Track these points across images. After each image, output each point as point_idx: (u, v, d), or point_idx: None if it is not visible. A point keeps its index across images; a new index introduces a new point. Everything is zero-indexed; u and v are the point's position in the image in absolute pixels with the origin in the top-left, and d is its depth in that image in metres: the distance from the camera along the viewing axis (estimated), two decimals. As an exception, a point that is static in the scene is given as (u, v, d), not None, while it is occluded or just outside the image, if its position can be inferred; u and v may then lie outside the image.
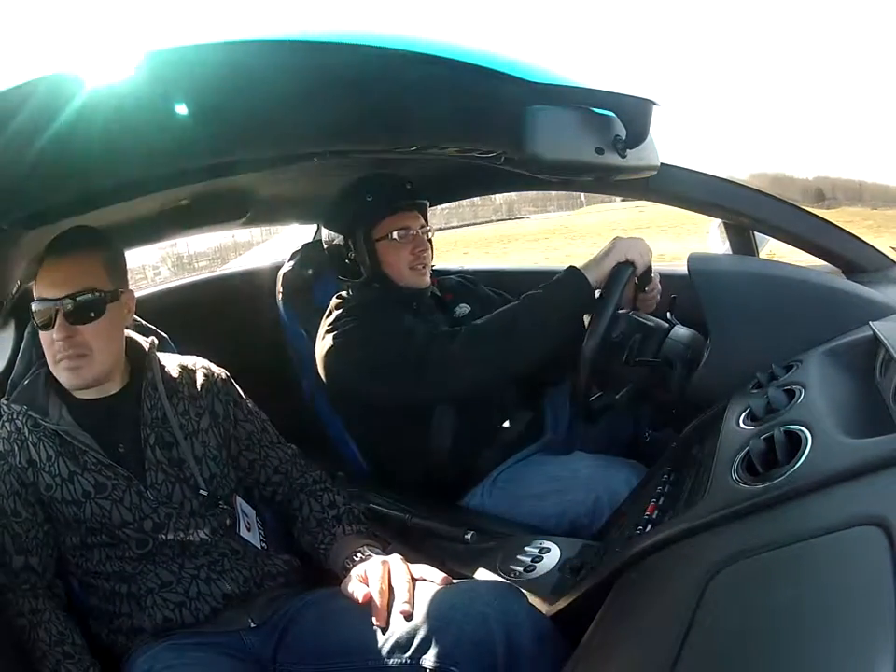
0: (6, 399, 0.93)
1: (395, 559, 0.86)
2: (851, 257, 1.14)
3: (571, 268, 1.08)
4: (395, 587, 0.82)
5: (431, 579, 0.83)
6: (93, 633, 0.91)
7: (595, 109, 0.65)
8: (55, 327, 0.86)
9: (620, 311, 1.03)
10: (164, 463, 0.92)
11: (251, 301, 1.63)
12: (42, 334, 0.89)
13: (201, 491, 0.93)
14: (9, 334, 1.18)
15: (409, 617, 0.77)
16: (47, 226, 0.80)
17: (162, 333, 1.07)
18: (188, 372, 1.00)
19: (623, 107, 0.65)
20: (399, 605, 0.79)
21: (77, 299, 0.86)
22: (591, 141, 0.64)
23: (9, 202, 0.57)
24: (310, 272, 1.49)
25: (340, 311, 1.23)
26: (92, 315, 0.87)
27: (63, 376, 0.89)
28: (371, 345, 1.14)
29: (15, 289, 1.09)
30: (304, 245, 1.59)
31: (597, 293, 1.05)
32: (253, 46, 0.57)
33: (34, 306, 0.88)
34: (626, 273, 1.04)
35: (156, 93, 0.53)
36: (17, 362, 1.04)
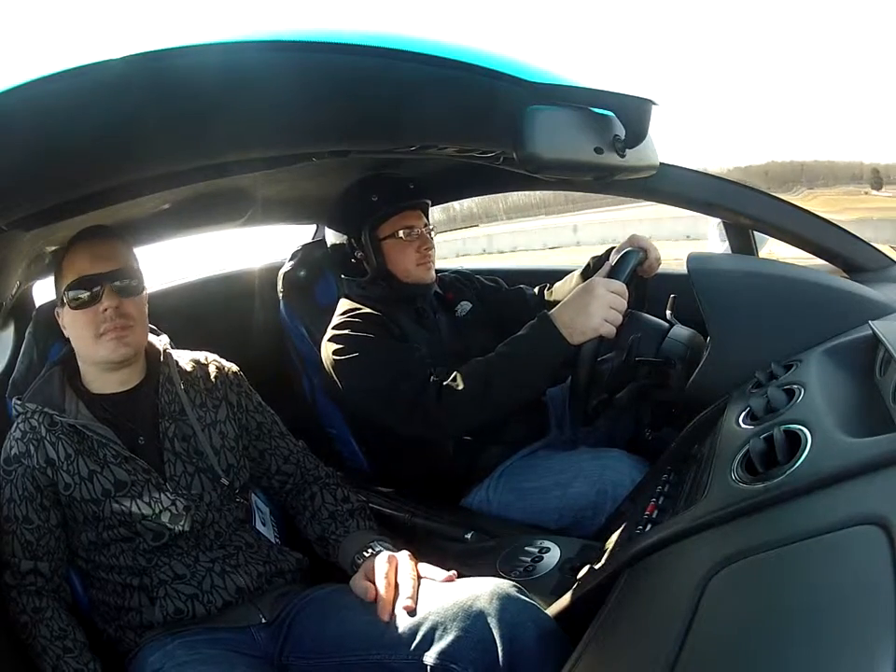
0: (18, 399, 0.93)
1: (402, 556, 0.87)
2: (851, 256, 1.14)
3: (543, 318, 1.01)
4: (400, 583, 0.83)
5: (436, 577, 0.84)
6: (99, 629, 0.91)
7: (593, 109, 0.65)
8: (102, 299, 0.89)
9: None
10: (183, 454, 0.93)
11: (251, 301, 1.64)
12: (80, 314, 0.90)
13: (222, 480, 0.94)
14: (9, 334, 1.19)
15: (412, 613, 0.78)
16: (45, 227, 0.81)
17: (163, 334, 1.07)
18: (201, 366, 1.03)
19: (622, 107, 0.65)
20: (403, 601, 0.79)
21: (124, 273, 0.91)
22: (590, 141, 0.64)
23: (8, 202, 0.58)
24: (310, 271, 1.49)
25: (345, 317, 1.22)
26: (137, 289, 0.93)
27: (109, 347, 0.90)
28: (366, 377, 1.15)
29: (15, 290, 1.09)
30: (304, 245, 1.59)
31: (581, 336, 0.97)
32: (252, 46, 0.57)
33: (71, 293, 0.89)
34: (631, 263, 1.02)
35: (153, 93, 0.53)
36: (18, 362, 1.04)
